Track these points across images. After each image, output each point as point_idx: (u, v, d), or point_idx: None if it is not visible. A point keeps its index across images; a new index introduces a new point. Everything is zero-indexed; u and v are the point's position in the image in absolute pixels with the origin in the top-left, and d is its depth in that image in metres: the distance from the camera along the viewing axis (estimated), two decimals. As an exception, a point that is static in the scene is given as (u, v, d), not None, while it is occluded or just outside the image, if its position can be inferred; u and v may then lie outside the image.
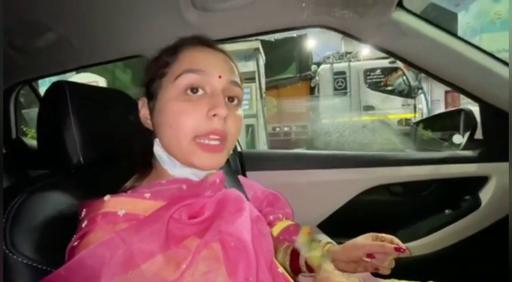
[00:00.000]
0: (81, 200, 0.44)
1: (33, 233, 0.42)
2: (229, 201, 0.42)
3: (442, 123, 1.41)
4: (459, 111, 1.20)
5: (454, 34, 0.75)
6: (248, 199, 0.64)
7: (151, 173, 0.48)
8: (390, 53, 0.79)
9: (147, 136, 0.50)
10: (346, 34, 0.79)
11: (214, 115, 0.41)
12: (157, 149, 0.46)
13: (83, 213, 0.41)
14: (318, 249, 0.55)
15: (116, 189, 0.47)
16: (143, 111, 0.48)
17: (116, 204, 0.40)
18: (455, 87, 0.82)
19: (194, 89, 0.42)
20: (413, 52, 0.79)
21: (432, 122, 1.65)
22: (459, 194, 0.98)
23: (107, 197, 0.41)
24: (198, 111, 0.41)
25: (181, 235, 0.39)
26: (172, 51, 0.46)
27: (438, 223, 0.95)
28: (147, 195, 0.41)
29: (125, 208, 0.39)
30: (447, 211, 0.97)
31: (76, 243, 0.38)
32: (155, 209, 0.39)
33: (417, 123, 1.93)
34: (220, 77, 0.43)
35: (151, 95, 0.47)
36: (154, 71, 0.47)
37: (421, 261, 0.92)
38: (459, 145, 1.05)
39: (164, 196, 0.41)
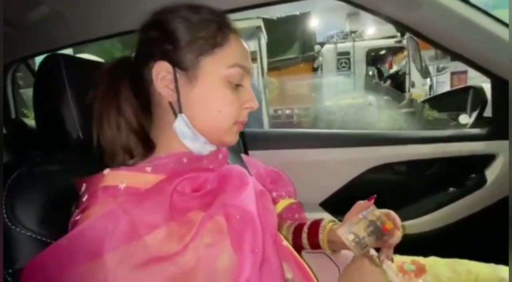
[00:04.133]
0: (82, 174, 0.43)
1: (35, 205, 0.41)
2: (232, 175, 0.41)
3: (450, 102, 1.38)
4: (467, 89, 1.16)
5: (472, 4, 0.70)
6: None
7: (154, 152, 0.46)
8: (401, 25, 0.75)
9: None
10: (355, 4, 0.75)
11: (247, 108, 0.46)
12: (181, 125, 0.42)
13: (83, 188, 0.41)
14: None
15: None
16: (162, 76, 0.42)
17: (116, 178, 0.39)
18: (468, 62, 0.78)
19: (238, 81, 0.44)
20: (425, 23, 0.74)
21: (439, 101, 1.61)
22: (465, 172, 0.97)
23: (106, 171, 0.40)
24: (239, 102, 0.44)
25: (185, 208, 0.38)
26: (222, 31, 0.43)
27: (441, 201, 0.95)
28: (148, 169, 0.40)
29: (126, 182, 0.38)
30: (451, 189, 0.96)
31: (78, 217, 0.38)
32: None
33: (424, 102, 1.89)
34: (250, 75, 0.47)
35: (181, 66, 0.41)
36: (194, 40, 0.41)
37: (424, 237, 0.92)
38: (465, 124, 1.03)
39: (166, 170, 0.41)
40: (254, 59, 3.54)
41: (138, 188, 0.38)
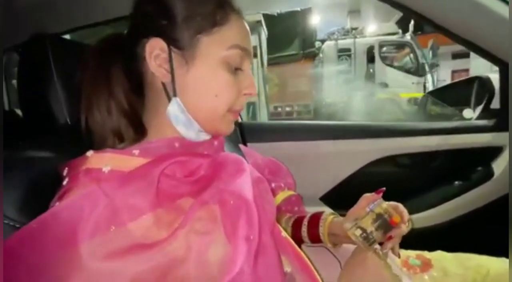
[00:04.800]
0: (68, 160, 0.40)
1: (14, 192, 0.38)
2: (228, 163, 0.39)
3: (454, 95, 1.35)
4: (473, 80, 1.13)
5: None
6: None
7: (145, 137, 0.43)
8: (405, 8, 0.72)
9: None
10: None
11: (246, 93, 0.42)
12: (175, 109, 0.39)
13: (65, 172, 0.37)
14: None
15: None
16: (156, 54, 0.38)
17: (101, 160, 0.36)
18: (475, 48, 0.75)
19: (238, 63, 0.41)
20: (430, 5, 0.71)
21: (444, 93, 1.58)
22: (471, 165, 0.94)
23: (89, 152, 0.37)
24: (237, 87, 0.41)
25: (175, 194, 0.35)
26: (223, 9, 0.39)
27: (446, 195, 0.92)
28: (136, 152, 0.37)
29: (111, 164, 0.35)
30: (456, 182, 0.94)
31: (57, 203, 0.35)
32: None
33: (428, 94, 1.86)
34: (250, 58, 0.43)
35: (177, 44, 0.38)
36: (192, 17, 0.38)
37: (430, 232, 0.90)
38: (470, 119, 1.00)
39: (155, 154, 0.37)
40: (254, 55, 3.51)
41: (124, 172, 0.35)
